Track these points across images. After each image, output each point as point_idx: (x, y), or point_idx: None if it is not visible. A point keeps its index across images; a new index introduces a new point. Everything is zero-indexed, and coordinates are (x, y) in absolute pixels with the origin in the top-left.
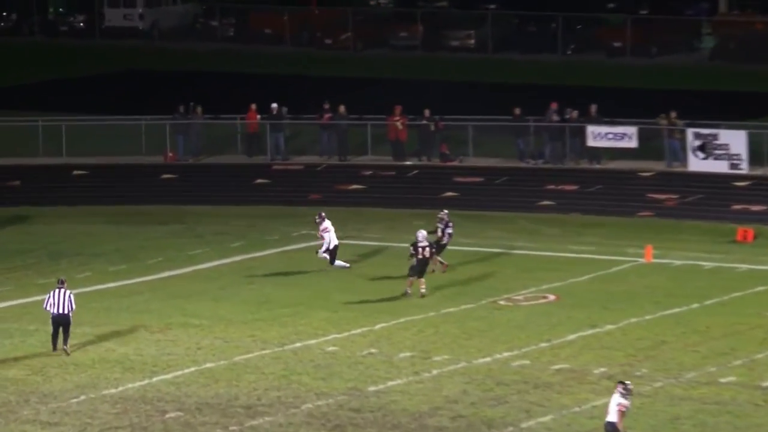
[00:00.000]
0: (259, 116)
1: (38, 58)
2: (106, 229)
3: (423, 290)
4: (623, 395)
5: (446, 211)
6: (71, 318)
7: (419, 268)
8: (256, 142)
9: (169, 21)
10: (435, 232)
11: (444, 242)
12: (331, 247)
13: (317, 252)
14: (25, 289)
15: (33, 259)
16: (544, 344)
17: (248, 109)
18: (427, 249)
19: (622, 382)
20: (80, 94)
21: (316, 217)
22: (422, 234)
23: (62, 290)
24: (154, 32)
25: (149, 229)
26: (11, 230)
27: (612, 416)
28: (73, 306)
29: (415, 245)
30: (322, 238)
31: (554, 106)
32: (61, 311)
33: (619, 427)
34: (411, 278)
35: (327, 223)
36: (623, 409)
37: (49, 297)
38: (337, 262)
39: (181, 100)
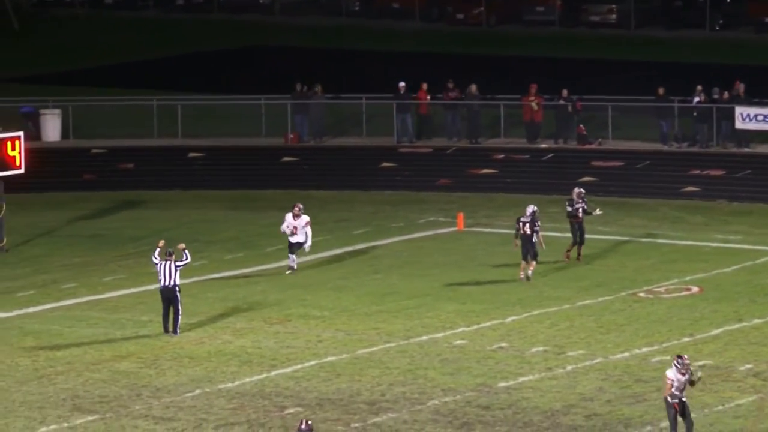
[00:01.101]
0: (428, 96)
1: (151, 34)
2: (222, 214)
3: (528, 273)
4: (677, 369)
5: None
6: (178, 292)
7: (524, 246)
8: (428, 124)
9: None
10: (575, 212)
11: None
12: (309, 243)
13: (299, 252)
14: (138, 278)
15: (146, 246)
16: (686, 339)
17: (418, 87)
18: (528, 225)
19: (679, 356)
20: (196, 72)
21: (296, 207)
22: (530, 209)
23: (170, 262)
24: (275, 6)
25: (268, 215)
26: (124, 215)
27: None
28: (187, 257)
29: (518, 220)
30: (294, 232)
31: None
32: (166, 283)
33: (666, 396)
34: (522, 261)
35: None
36: (669, 382)
37: (159, 266)
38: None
39: (301, 78)
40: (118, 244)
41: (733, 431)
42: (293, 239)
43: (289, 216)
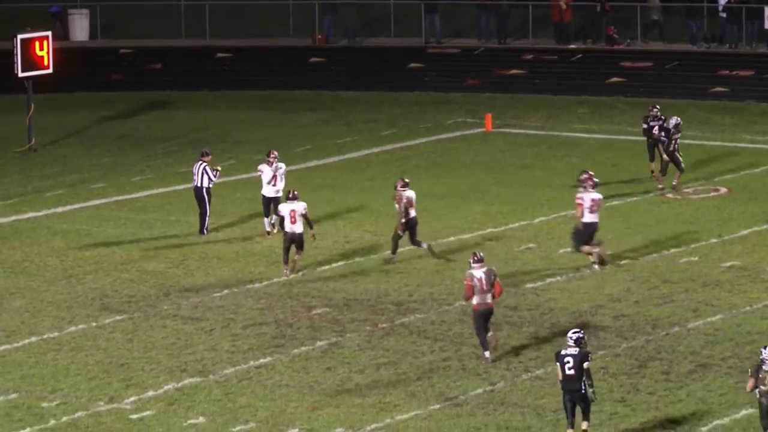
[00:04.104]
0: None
1: None
2: (250, 115)
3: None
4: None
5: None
6: (205, 193)
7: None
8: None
9: None
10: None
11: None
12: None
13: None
14: (166, 178)
15: (175, 146)
16: (714, 240)
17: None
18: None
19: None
20: None
21: (272, 155)
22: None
23: (204, 164)
24: None
25: (296, 116)
26: (153, 116)
27: None
28: (212, 178)
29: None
30: (274, 182)
31: None
32: (197, 184)
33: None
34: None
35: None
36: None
37: (193, 166)
38: (267, 221)
39: None
40: (147, 144)
41: (761, 332)
42: (270, 192)
43: (264, 166)
